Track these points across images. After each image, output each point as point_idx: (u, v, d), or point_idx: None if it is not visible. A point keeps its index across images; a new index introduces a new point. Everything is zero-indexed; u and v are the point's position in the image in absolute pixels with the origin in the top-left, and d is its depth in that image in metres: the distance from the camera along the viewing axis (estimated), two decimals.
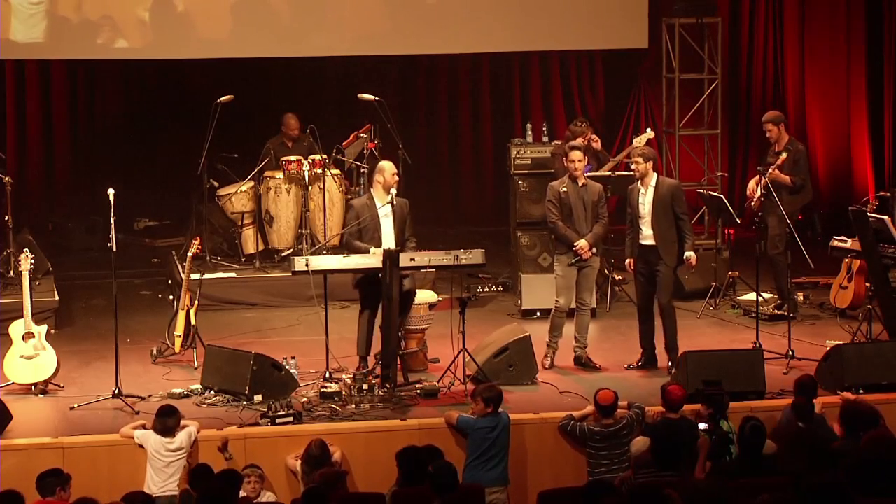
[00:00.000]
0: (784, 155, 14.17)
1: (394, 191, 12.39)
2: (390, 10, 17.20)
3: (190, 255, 13.09)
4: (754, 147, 18.35)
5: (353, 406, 11.67)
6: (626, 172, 14.66)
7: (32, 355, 12.19)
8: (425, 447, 10.11)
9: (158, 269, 16.30)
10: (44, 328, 12.36)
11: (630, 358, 12.92)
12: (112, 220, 12.03)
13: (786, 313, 13.80)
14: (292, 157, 15.43)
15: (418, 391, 12.01)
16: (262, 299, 15.12)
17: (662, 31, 16.99)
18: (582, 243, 12.70)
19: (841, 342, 12.74)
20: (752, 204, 14.14)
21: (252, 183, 15.62)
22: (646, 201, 12.67)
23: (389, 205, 12.40)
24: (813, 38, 18.63)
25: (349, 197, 15.39)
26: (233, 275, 15.33)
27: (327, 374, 12.26)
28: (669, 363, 12.60)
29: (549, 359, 12.83)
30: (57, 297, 14.35)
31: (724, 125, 17.34)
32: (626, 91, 18.90)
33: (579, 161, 12.80)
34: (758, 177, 14.18)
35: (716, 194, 15.47)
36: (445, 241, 15.40)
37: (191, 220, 16.34)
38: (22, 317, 12.27)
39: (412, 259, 12.21)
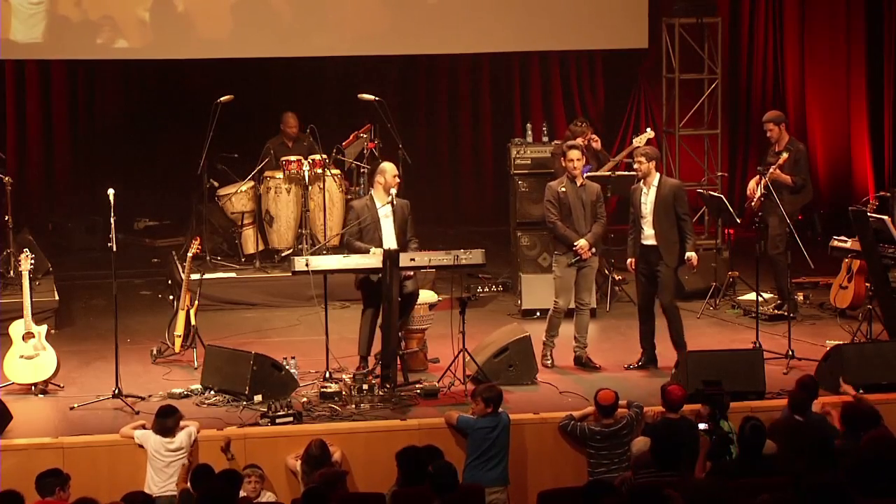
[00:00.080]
0: (785, 155, 14.16)
1: (394, 191, 12.39)
2: (390, 10, 17.19)
3: (190, 255, 13.08)
4: (754, 147, 18.34)
5: (353, 406, 11.66)
6: (627, 172, 14.67)
7: (32, 355, 12.18)
8: (425, 447, 10.09)
9: (158, 269, 16.29)
10: (44, 328, 12.35)
11: (630, 358, 12.91)
12: (112, 220, 12.02)
13: (786, 313, 13.80)
14: (292, 157, 15.43)
15: (418, 391, 12.00)
16: (262, 299, 15.12)
17: (662, 31, 16.97)
18: (582, 243, 12.68)
19: (841, 342, 12.73)
20: (753, 204, 14.14)
21: (252, 183, 15.61)
22: (648, 201, 12.66)
23: (389, 205, 12.41)
24: (813, 38, 18.62)
25: (349, 197, 15.39)
26: (233, 275, 15.32)
27: (327, 374, 12.25)
28: (678, 361, 12.35)
29: (548, 358, 12.82)
30: (57, 297, 14.34)
31: (724, 125, 17.32)
32: (626, 91, 18.88)
33: (577, 160, 12.79)
34: (758, 177, 14.18)
35: (716, 194, 15.45)
36: (445, 241, 15.37)
37: (191, 220, 16.32)
38: (22, 317, 12.27)
39: (412, 259, 12.20)
